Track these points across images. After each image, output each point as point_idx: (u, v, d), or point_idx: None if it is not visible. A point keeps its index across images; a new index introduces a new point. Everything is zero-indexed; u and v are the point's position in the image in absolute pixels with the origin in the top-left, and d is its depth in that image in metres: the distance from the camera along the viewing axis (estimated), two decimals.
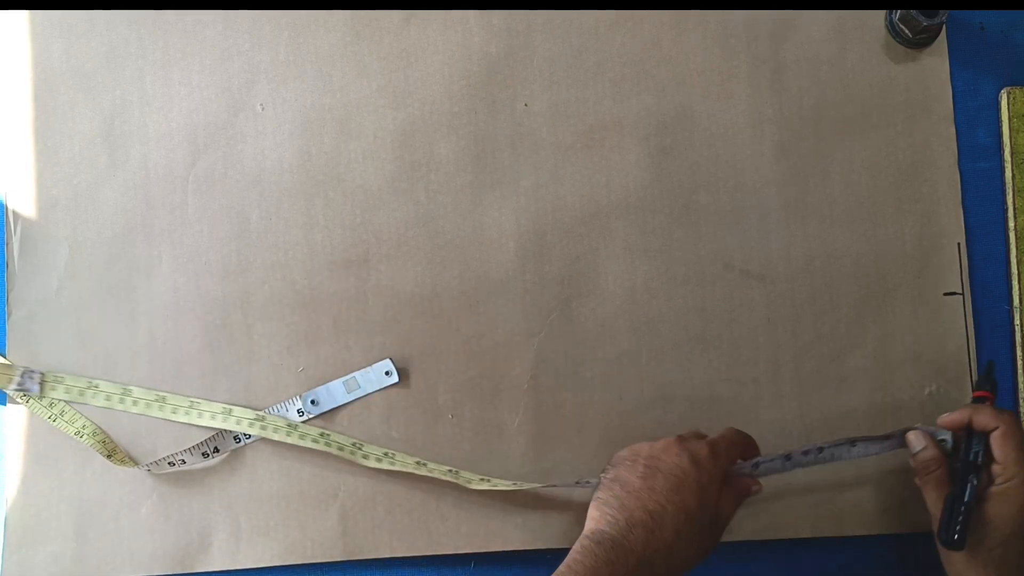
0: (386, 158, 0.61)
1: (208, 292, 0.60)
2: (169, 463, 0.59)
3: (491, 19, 0.61)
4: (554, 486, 0.57)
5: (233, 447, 0.59)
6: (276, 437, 0.58)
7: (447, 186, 0.60)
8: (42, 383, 0.59)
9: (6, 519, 0.59)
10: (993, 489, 0.51)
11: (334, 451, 0.58)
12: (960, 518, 0.51)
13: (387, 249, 0.60)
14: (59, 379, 0.60)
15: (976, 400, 0.56)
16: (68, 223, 0.61)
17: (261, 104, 0.61)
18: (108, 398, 0.59)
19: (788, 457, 0.54)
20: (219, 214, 0.61)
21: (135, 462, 0.59)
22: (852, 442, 0.54)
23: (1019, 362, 0.59)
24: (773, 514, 0.58)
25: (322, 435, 0.58)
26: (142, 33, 0.61)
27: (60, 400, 0.60)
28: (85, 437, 0.59)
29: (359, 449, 0.58)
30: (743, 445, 0.55)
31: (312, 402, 0.59)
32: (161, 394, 0.59)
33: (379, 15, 0.61)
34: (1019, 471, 0.51)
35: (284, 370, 0.60)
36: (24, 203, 0.61)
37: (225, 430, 0.59)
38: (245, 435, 0.59)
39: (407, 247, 0.60)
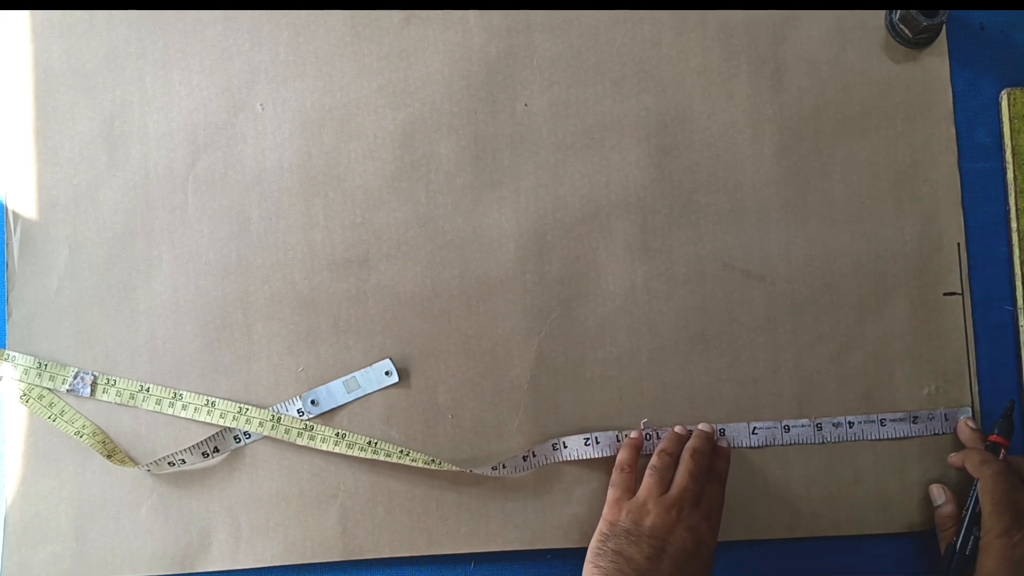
0: (386, 158, 0.61)
1: (208, 292, 0.60)
2: (169, 463, 0.59)
3: (491, 19, 0.61)
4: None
5: (233, 447, 0.59)
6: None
7: (447, 186, 0.60)
8: (94, 385, 0.60)
9: (6, 519, 0.59)
10: (981, 542, 0.51)
11: (342, 450, 0.58)
12: (950, 568, 0.53)
13: (387, 249, 0.60)
14: (111, 382, 0.60)
15: (991, 445, 0.56)
16: (68, 223, 0.61)
17: (261, 104, 0.61)
18: (159, 402, 0.59)
19: (819, 427, 0.58)
20: (219, 214, 0.61)
21: (135, 462, 0.59)
22: (882, 421, 0.57)
23: (1023, 363, 0.59)
24: (770, 514, 0.58)
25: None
26: (142, 33, 0.61)
27: (60, 400, 0.60)
28: (85, 437, 0.59)
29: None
30: (711, 459, 0.56)
31: (312, 402, 0.59)
32: (211, 399, 0.59)
33: (379, 15, 0.61)
34: (994, 525, 0.51)
35: (284, 370, 0.60)
36: (24, 203, 0.61)
37: (228, 429, 0.59)
38: (245, 434, 0.59)
39: (407, 247, 0.60)
